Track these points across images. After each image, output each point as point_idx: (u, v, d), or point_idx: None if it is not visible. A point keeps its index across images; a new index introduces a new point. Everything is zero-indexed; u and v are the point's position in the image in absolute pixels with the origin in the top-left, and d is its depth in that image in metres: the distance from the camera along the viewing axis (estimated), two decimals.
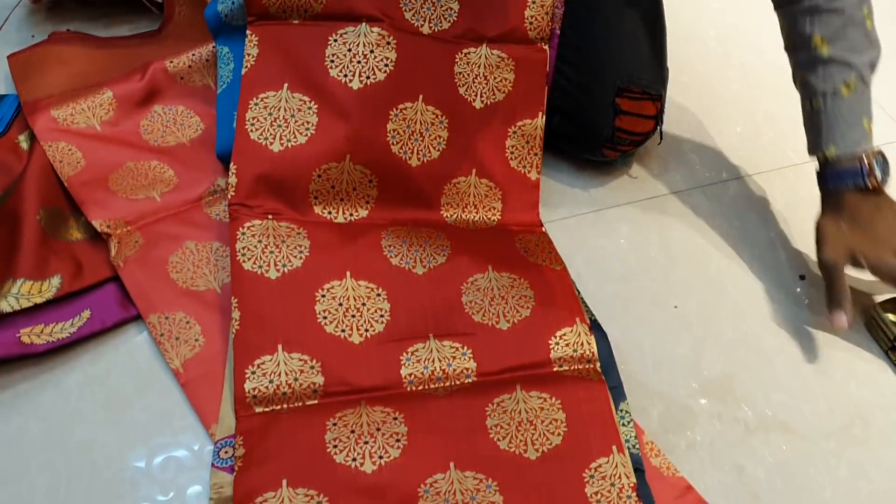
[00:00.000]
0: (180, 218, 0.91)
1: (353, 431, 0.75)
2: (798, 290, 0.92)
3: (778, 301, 0.91)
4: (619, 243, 0.95)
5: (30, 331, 0.79)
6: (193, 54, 1.00)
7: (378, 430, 0.75)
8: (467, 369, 0.80)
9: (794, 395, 0.83)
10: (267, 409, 0.76)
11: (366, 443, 0.74)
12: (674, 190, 1.02)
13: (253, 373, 0.77)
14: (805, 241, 0.96)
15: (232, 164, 0.87)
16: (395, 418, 0.76)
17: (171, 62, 1.00)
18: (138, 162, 0.94)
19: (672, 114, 1.07)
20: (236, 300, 0.81)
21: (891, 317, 0.86)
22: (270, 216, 0.88)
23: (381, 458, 0.73)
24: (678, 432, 0.79)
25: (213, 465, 0.74)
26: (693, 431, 0.80)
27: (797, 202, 1.01)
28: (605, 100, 0.95)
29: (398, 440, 0.75)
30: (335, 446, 0.74)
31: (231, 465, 0.73)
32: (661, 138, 1.00)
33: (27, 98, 0.97)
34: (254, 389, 0.76)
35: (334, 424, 0.75)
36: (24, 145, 0.93)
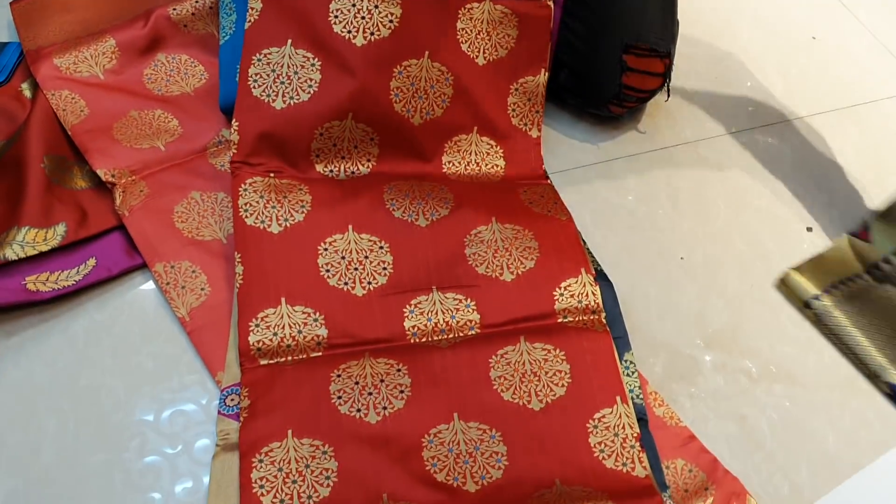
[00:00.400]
0: (185, 168, 0.91)
1: (357, 383, 0.75)
2: (805, 243, 0.92)
3: (784, 254, 0.90)
4: (626, 195, 0.95)
5: (35, 278, 0.79)
6: (197, 1, 0.99)
7: (382, 381, 0.75)
8: (471, 321, 0.80)
9: (799, 347, 0.83)
10: (272, 362, 0.76)
11: (370, 394, 0.74)
12: (682, 142, 1.01)
13: (257, 326, 0.77)
14: (813, 194, 0.95)
15: (234, 121, 0.87)
16: (399, 370, 0.76)
17: (174, 9, 0.98)
18: (142, 111, 0.94)
19: (681, 66, 1.05)
20: (239, 255, 0.81)
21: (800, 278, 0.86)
22: (272, 174, 0.87)
23: (385, 408, 0.74)
24: (682, 382, 0.80)
25: (219, 412, 0.74)
26: (697, 382, 0.80)
27: (806, 155, 1.00)
28: (612, 56, 0.94)
29: (402, 391, 0.75)
30: (339, 397, 0.74)
31: (237, 412, 0.74)
32: (669, 95, 0.99)
33: (30, 46, 0.96)
34: (258, 342, 0.76)
35: (338, 376, 0.75)
36: (28, 93, 0.92)
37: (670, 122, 1.04)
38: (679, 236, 0.91)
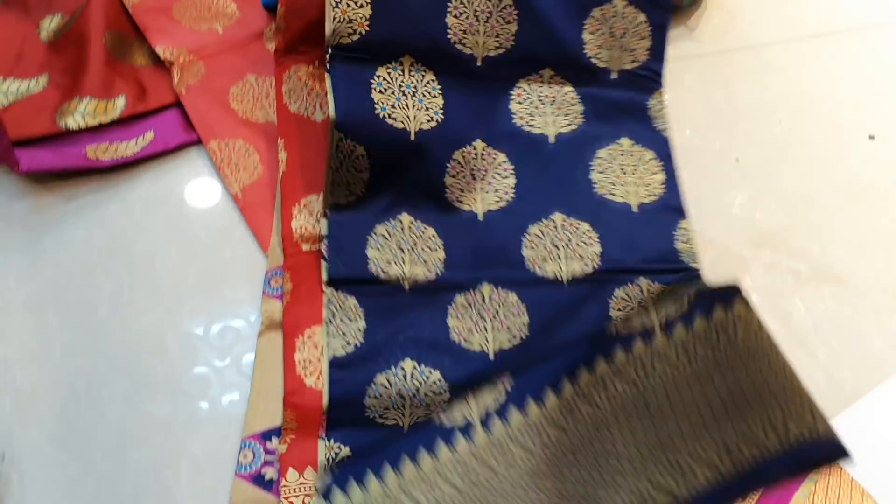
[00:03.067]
0: (242, 52, 0.92)
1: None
2: (866, 149, 0.89)
3: (843, 160, 0.88)
4: (684, 93, 0.93)
5: (95, 147, 0.81)
6: None
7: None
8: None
9: (851, 250, 0.81)
10: (314, 248, 0.77)
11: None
12: (744, 44, 0.98)
13: (300, 212, 0.78)
14: (879, 103, 0.92)
15: (280, 5, 0.86)
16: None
17: None
18: None
19: None
20: (283, 141, 0.81)
21: None
22: (317, 62, 0.87)
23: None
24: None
25: (263, 293, 0.76)
26: (744, 279, 0.79)
27: (877, 63, 0.96)
28: None
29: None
30: None
31: (280, 293, 0.75)
32: None
33: None
34: (300, 228, 0.77)
35: None
36: None
37: (733, 21, 1.00)
38: (735, 137, 0.89)
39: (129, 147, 0.82)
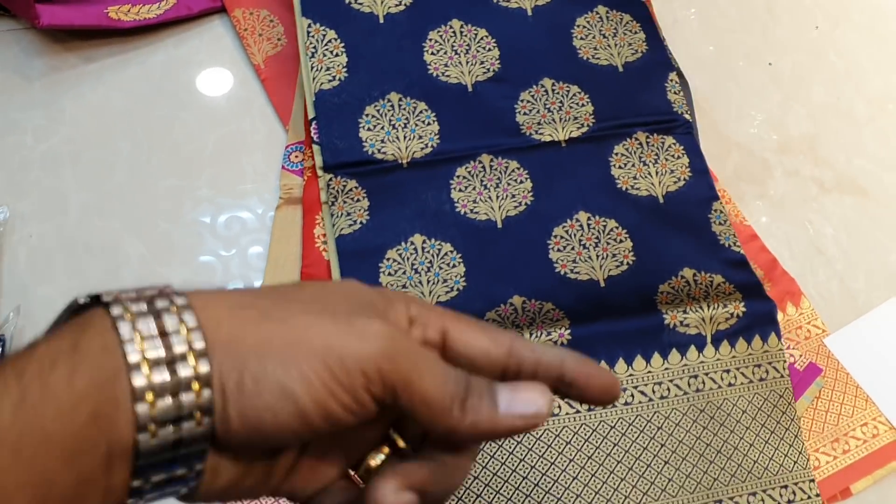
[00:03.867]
0: None
1: None
2: None
3: (880, 72, 0.86)
4: None
5: (117, 8, 0.79)
6: None
7: None
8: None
9: (877, 162, 0.80)
10: None
11: None
12: None
13: None
14: None
15: None
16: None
17: None
18: None
19: None
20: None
21: None
22: None
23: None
24: (752, 183, 0.78)
25: (283, 167, 0.75)
26: (766, 184, 0.78)
27: None
28: None
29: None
30: None
31: (300, 168, 0.75)
32: None
33: None
34: None
35: None
36: None
37: None
38: (770, 42, 0.87)
39: (151, 10, 0.80)
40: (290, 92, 0.79)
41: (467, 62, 0.79)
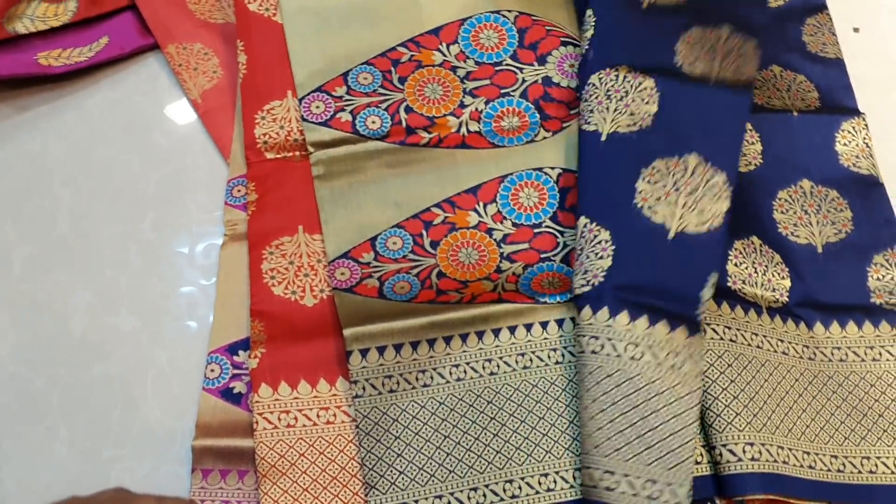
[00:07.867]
0: None
1: None
2: None
3: None
4: None
5: (47, 54, 0.78)
6: None
7: None
8: None
9: None
10: (279, 156, 0.75)
11: None
12: None
13: (263, 118, 0.75)
14: None
15: None
16: None
17: None
18: None
19: None
20: (242, 43, 0.78)
21: None
22: None
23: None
24: None
25: (225, 202, 0.74)
26: None
27: None
28: None
29: None
30: None
31: (244, 203, 0.73)
32: None
33: None
34: (264, 135, 0.75)
35: None
36: None
37: None
38: (856, 7, 0.88)
39: (83, 52, 0.79)
40: (229, 124, 0.78)
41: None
